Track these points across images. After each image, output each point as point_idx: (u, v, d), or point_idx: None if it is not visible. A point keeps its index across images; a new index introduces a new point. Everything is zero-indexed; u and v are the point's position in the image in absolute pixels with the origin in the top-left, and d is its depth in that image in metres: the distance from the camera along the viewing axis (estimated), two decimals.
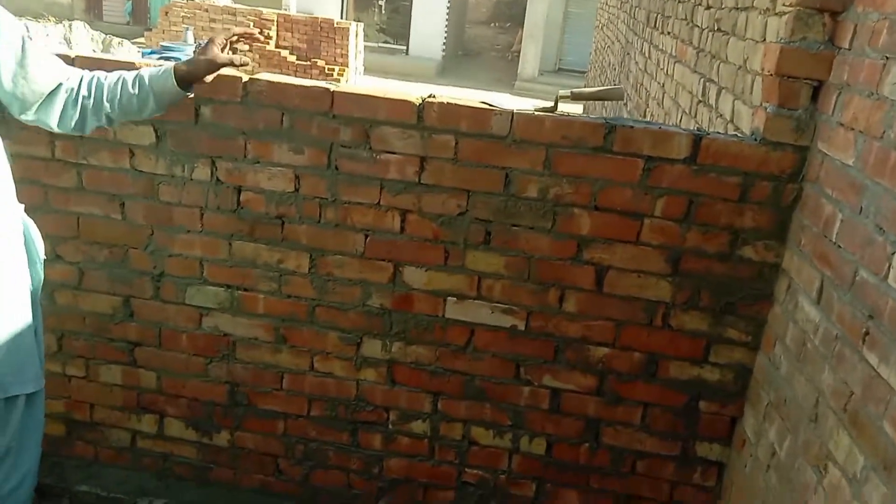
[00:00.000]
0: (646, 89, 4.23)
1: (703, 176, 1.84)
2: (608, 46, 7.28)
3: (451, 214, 1.98)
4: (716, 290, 1.94)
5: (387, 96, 1.92)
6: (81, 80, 1.80)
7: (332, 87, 1.93)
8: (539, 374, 2.10)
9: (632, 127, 1.83)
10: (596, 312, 2.01)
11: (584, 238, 1.95)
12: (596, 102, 7.41)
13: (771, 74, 1.79)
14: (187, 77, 1.80)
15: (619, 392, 2.07)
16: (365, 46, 16.84)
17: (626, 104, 5.07)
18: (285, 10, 17.47)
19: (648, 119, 4.01)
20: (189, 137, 2.03)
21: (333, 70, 11.59)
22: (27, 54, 1.72)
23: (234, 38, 1.88)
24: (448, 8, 18.50)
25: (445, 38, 18.80)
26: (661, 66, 3.69)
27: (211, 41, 1.84)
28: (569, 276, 1.99)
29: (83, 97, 1.79)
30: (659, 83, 3.77)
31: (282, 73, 10.75)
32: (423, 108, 1.90)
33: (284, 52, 11.74)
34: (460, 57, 21.50)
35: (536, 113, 1.87)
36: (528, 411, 2.14)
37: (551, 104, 1.94)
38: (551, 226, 1.95)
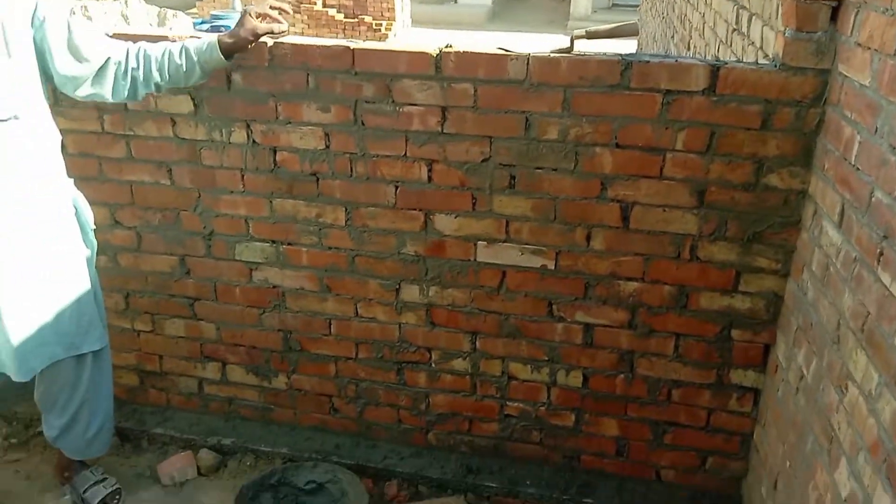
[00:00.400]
0: (689, 20, 4.11)
1: (723, 106, 1.83)
2: None
3: (475, 161, 2.04)
4: (743, 220, 1.94)
5: (404, 49, 1.98)
6: (129, 53, 1.94)
7: (352, 45, 2.00)
8: (571, 311, 2.16)
9: (647, 62, 1.84)
10: (623, 248, 2.05)
11: (608, 176, 1.98)
12: (647, 32, 7.20)
13: None
14: (232, 48, 1.96)
15: (651, 324, 2.12)
16: None
17: (672, 36, 4.93)
18: None
19: (692, 51, 3.91)
20: (224, 103, 2.14)
21: (381, 25, 11.56)
22: (73, 35, 1.86)
23: (268, 8, 1.97)
24: None
25: None
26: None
27: (246, 13, 1.95)
28: (594, 214, 2.03)
29: (132, 68, 1.94)
30: (700, 13, 3.66)
31: (329, 32, 10.82)
32: (441, 58, 1.95)
33: (332, 11, 11.77)
34: (510, 1, 21.01)
35: (552, 55, 1.89)
36: (563, 346, 2.22)
37: (567, 45, 1.95)
38: (574, 166, 1.99)
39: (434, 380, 2.37)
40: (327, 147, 2.12)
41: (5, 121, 1.78)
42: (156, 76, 1.95)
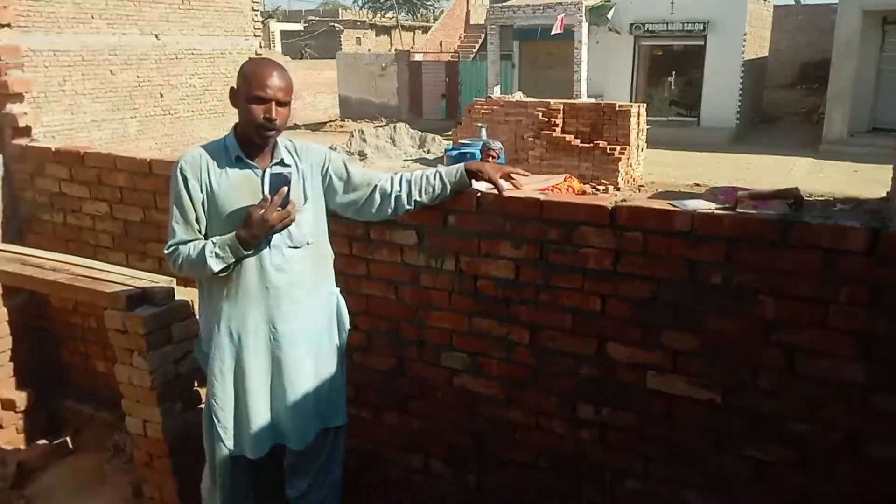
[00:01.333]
0: None
1: (886, 267, 1.90)
2: None
3: (644, 298, 2.28)
4: None
5: (584, 202, 2.34)
6: (392, 180, 2.54)
7: (542, 198, 2.40)
8: (739, 445, 2.25)
9: (808, 223, 1.98)
10: (789, 390, 2.12)
11: (771, 322, 2.10)
12: None
13: None
14: (474, 177, 2.49)
15: (823, 468, 2.12)
16: (655, 121, 17.09)
17: None
18: (576, 95, 18.56)
19: None
20: (440, 238, 2.65)
21: (615, 150, 12.04)
22: (350, 173, 2.51)
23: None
24: (742, 76, 17.93)
25: (740, 105, 18.18)
26: None
27: (487, 162, 2.48)
28: (759, 356, 2.15)
29: (396, 192, 2.52)
30: None
31: (566, 156, 11.49)
32: (615, 210, 2.27)
33: (569, 137, 12.55)
34: (756, 124, 20.47)
35: (715, 212, 2.12)
36: (733, 479, 2.28)
37: (731, 205, 2.16)
38: (738, 310, 2.14)
39: (608, 496, 2.53)
40: (517, 277, 2.51)
41: (300, 247, 2.43)
42: (415, 195, 2.52)
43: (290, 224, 2.27)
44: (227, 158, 2.32)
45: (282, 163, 2.35)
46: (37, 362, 4.04)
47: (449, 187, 2.50)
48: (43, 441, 3.76)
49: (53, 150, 3.71)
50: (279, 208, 2.21)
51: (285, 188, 2.21)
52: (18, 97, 3.79)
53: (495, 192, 2.48)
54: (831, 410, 2.08)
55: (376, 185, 2.52)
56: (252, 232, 2.22)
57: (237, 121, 2.33)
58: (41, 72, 11.65)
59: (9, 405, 3.74)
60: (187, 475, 2.97)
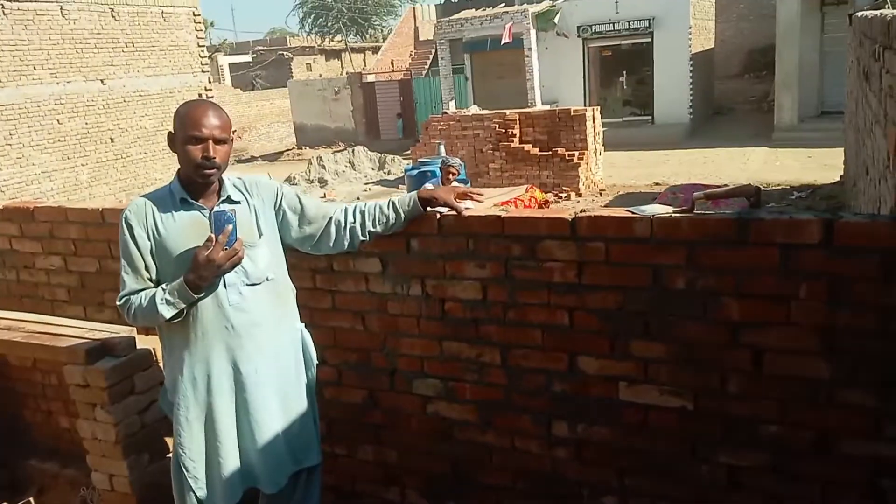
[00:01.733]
0: (870, 143, 4.05)
1: (841, 257, 1.92)
2: (850, 92, 6.83)
3: (610, 308, 2.28)
4: (876, 366, 1.95)
5: (544, 216, 2.33)
6: (346, 211, 2.53)
7: (503, 214, 2.39)
8: (714, 452, 2.24)
9: (763, 219, 2.00)
10: (758, 392, 2.13)
11: (736, 323, 2.11)
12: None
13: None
14: (428, 203, 2.48)
15: (794, 469, 2.13)
16: (610, 122, 17.32)
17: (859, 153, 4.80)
18: (531, 103, 18.74)
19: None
20: (404, 263, 2.62)
21: (573, 155, 12.16)
22: (304, 206, 2.47)
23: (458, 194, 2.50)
24: (691, 70, 18.28)
25: (691, 100, 18.51)
26: (868, 126, 3.56)
27: (443, 187, 2.56)
28: (728, 359, 2.15)
29: (350, 223, 2.51)
30: (873, 140, 3.63)
31: (525, 165, 11.55)
32: (576, 222, 2.27)
33: (527, 146, 12.64)
34: (710, 116, 20.88)
35: (673, 216, 2.13)
36: (709, 487, 2.27)
37: (687, 209, 2.17)
38: (703, 313, 2.15)
39: None
40: (484, 297, 2.49)
41: (259, 284, 2.37)
42: (368, 226, 2.51)
43: (238, 262, 2.23)
44: (172, 202, 2.29)
45: (229, 199, 2.32)
46: None
47: (403, 216, 2.50)
48: (5, 503, 3.62)
49: (1, 207, 3.61)
50: (225, 247, 2.17)
51: (229, 226, 2.17)
52: None
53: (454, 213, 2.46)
54: (800, 409, 2.09)
55: (331, 218, 2.51)
56: (199, 274, 2.18)
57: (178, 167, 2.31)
58: None
59: None
60: None
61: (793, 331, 2.03)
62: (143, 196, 2.35)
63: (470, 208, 2.49)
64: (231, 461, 2.37)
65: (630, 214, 2.20)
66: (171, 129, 2.27)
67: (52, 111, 12.49)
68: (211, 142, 2.20)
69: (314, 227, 2.50)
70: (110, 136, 13.58)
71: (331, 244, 2.54)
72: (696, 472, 2.28)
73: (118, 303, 2.29)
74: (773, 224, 1.99)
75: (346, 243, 2.54)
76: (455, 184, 7.88)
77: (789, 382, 2.07)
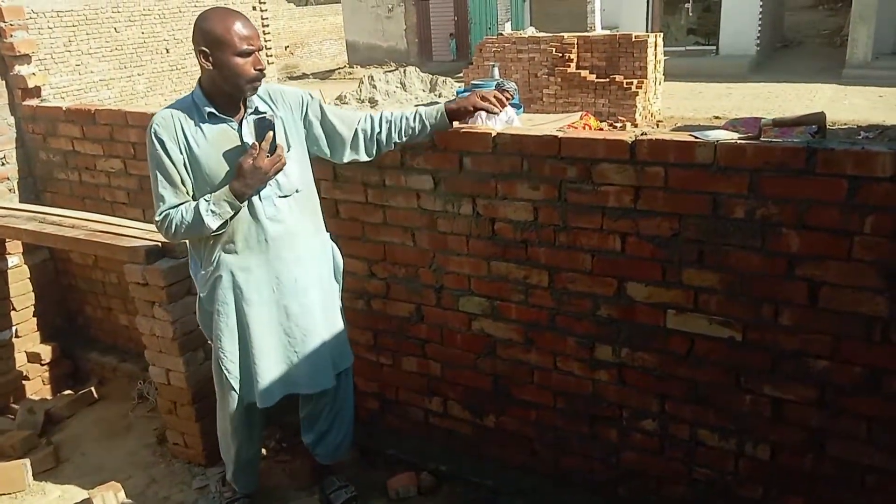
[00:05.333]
0: None
1: None
2: None
3: (665, 235, 2.24)
4: None
5: (604, 137, 2.27)
6: (372, 120, 2.51)
7: (560, 135, 2.34)
8: (759, 384, 2.23)
9: (833, 149, 1.92)
10: (812, 326, 2.09)
11: (795, 255, 2.06)
12: None
13: None
14: (455, 115, 2.47)
15: (841, 405, 2.11)
16: (672, 51, 16.60)
17: None
18: (591, 27, 18.04)
19: None
20: (456, 182, 2.60)
21: (632, 83, 11.76)
22: (330, 116, 2.47)
23: (491, 96, 2.47)
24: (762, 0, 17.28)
25: (759, 31, 17.56)
26: None
27: (475, 92, 2.50)
28: (782, 291, 2.11)
29: (377, 132, 2.51)
30: None
31: (581, 92, 11.25)
32: (636, 145, 2.21)
33: (584, 72, 12.25)
34: (778, 49, 19.85)
35: (738, 142, 2.06)
36: (751, 418, 2.28)
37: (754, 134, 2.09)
38: (761, 244, 2.10)
39: (624, 436, 2.55)
40: (535, 219, 2.47)
41: (290, 196, 2.40)
42: (395, 136, 2.50)
43: (282, 168, 2.26)
44: (199, 115, 2.27)
45: (256, 112, 2.31)
46: (61, 317, 4.12)
47: (429, 127, 2.48)
48: (69, 392, 3.86)
49: (65, 109, 3.70)
50: (268, 154, 2.19)
51: (271, 133, 2.18)
52: (25, 58, 3.77)
53: (508, 130, 2.43)
54: (853, 346, 2.05)
55: (357, 128, 2.49)
56: (246, 182, 2.21)
57: (200, 79, 2.27)
58: (45, 33, 11.52)
59: (34, 358, 3.83)
60: (210, 421, 3.04)
61: (853, 266, 1.98)
62: (167, 108, 2.33)
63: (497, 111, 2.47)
64: (269, 367, 2.47)
65: (693, 139, 2.13)
66: (201, 45, 2.18)
67: (109, 19, 12.55)
68: (258, 52, 2.19)
69: (340, 138, 2.49)
70: (165, 46, 13.63)
71: (357, 153, 2.53)
72: (739, 403, 2.28)
73: (157, 219, 2.30)
74: (843, 154, 1.91)
75: (373, 151, 2.53)
76: (508, 108, 7.72)
77: (844, 318, 2.03)
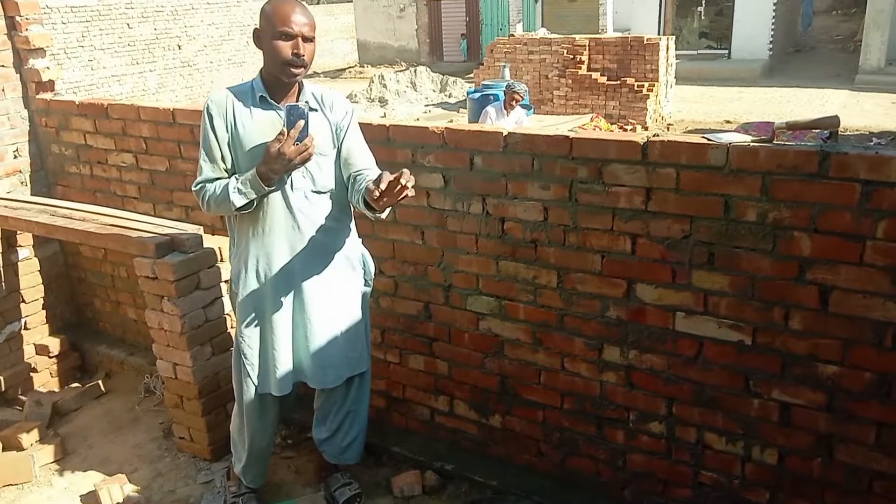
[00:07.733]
0: None
1: None
2: None
3: (675, 237, 2.23)
4: None
5: (615, 138, 2.26)
6: (367, 176, 2.31)
7: (571, 135, 2.34)
8: (768, 388, 2.22)
9: (846, 153, 1.91)
10: (822, 331, 2.08)
11: (806, 259, 2.05)
12: None
13: None
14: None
15: (851, 410, 2.10)
16: (684, 55, 16.55)
17: None
18: (602, 29, 18.01)
19: None
20: (466, 181, 2.60)
21: (643, 86, 11.72)
22: (356, 142, 2.42)
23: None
24: (775, 2, 17.20)
25: (772, 36, 17.50)
26: None
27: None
28: (793, 295, 2.10)
29: (355, 186, 2.35)
30: None
31: (592, 94, 11.23)
32: (648, 146, 2.20)
33: (595, 74, 12.23)
34: (790, 54, 19.76)
35: (751, 145, 2.05)
36: (759, 422, 2.27)
37: (768, 137, 2.08)
38: (772, 247, 2.09)
39: (631, 438, 2.54)
40: (545, 219, 2.46)
41: (324, 193, 2.41)
42: (353, 199, 2.35)
43: (307, 159, 2.24)
44: (252, 99, 2.33)
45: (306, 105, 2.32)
46: (69, 310, 4.14)
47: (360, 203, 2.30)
48: (76, 384, 3.87)
49: (78, 103, 3.72)
50: (296, 142, 2.19)
51: (302, 121, 2.18)
52: (40, 52, 3.79)
53: (519, 130, 2.42)
54: (863, 351, 2.04)
55: (359, 169, 2.38)
56: (270, 166, 2.21)
57: (262, 66, 2.33)
58: (59, 28, 11.60)
59: (43, 350, 3.85)
60: (215, 416, 3.05)
61: (865, 271, 1.97)
62: (227, 88, 2.39)
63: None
64: (284, 355, 2.49)
65: (706, 141, 2.13)
66: (257, 26, 2.27)
67: (122, 14, 12.62)
68: (300, 39, 2.21)
69: (347, 170, 2.41)
70: (178, 42, 13.70)
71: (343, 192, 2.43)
72: (747, 407, 2.27)
73: (194, 188, 2.38)
74: (857, 159, 1.89)
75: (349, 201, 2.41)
76: (518, 109, 7.69)
77: (855, 323, 2.02)
